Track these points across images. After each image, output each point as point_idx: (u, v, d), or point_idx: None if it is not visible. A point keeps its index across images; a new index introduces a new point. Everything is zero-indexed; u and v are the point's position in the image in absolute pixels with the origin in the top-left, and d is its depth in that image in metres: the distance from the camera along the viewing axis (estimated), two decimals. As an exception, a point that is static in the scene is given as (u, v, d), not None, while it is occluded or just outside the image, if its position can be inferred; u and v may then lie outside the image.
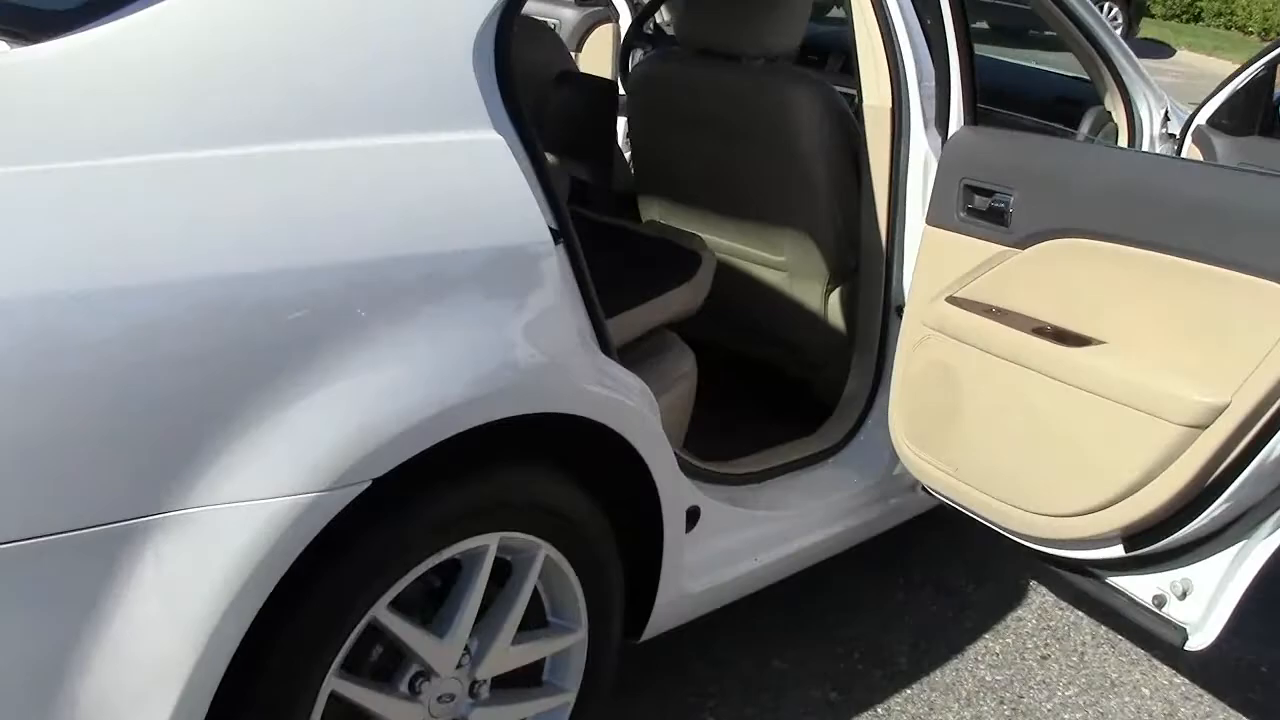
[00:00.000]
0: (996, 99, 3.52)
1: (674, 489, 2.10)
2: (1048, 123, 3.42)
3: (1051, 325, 2.20)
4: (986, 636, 2.87)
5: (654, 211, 3.10)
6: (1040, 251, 2.21)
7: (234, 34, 1.56)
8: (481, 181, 1.70)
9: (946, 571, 3.12)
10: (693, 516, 2.26)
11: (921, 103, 2.48)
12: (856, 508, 2.67)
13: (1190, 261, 1.96)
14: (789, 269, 2.92)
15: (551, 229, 1.83)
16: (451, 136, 1.69)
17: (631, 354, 2.55)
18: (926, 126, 2.49)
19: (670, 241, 2.71)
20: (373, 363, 1.57)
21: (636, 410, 1.94)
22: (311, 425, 1.52)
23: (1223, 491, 1.99)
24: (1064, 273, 2.18)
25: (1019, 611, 2.99)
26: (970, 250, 2.33)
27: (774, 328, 3.07)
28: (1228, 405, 1.90)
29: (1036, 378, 2.16)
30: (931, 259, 2.44)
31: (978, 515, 2.40)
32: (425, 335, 1.61)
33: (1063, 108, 3.49)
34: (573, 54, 4.50)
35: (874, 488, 2.67)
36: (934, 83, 2.48)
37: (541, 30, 3.25)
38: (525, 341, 1.71)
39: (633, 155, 3.06)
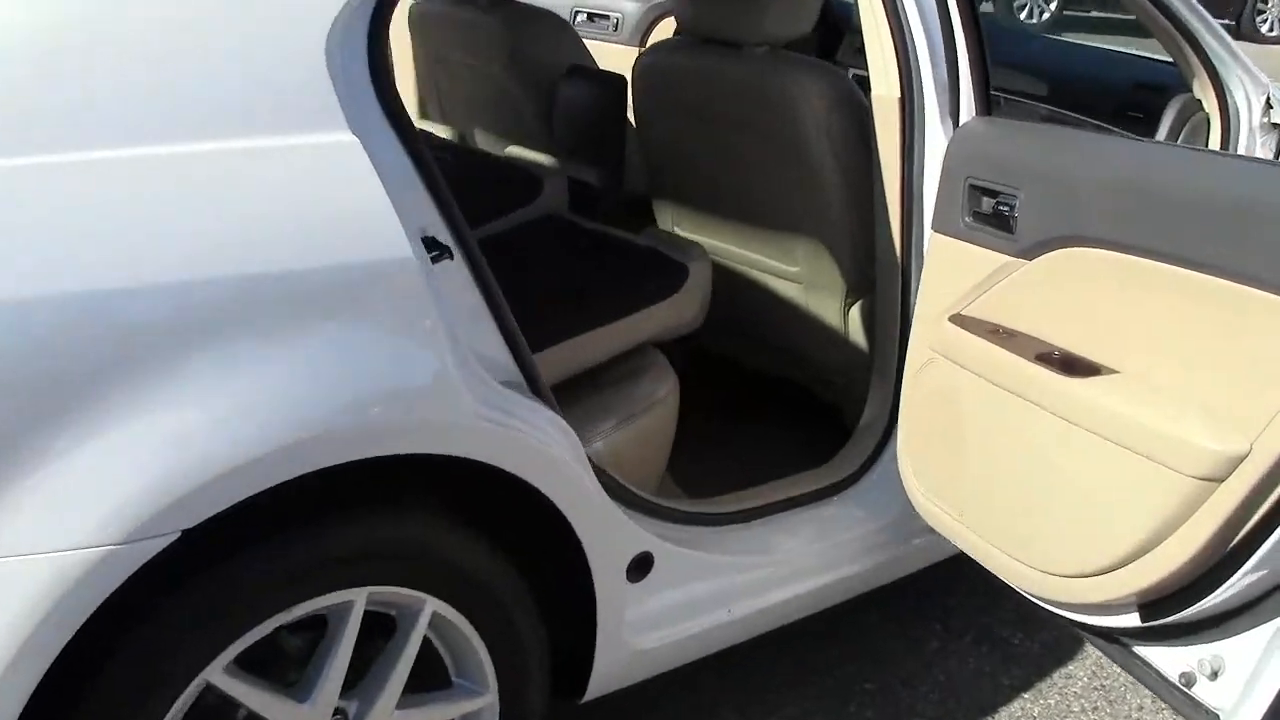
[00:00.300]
0: (1061, 88, 3.15)
1: (605, 537, 1.86)
2: (1079, 118, 3.03)
3: (1060, 351, 1.87)
4: (1027, 695, 2.53)
5: (667, 217, 2.85)
6: (1048, 263, 1.89)
7: (65, 32, 1.40)
8: (329, 190, 1.49)
9: (993, 618, 2.78)
10: (642, 564, 2.01)
11: (937, 92, 2.17)
12: (867, 551, 2.37)
13: (1214, 278, 1.62)
14: (803, 280, 2.63)
15: (433, 240, 1.62)
16: (296, 140, 1.48)
17: (605, 375, 2.31)
18: (943, 118, 2.18)
19: (658, 252, 2.46)
20: (184, 398, 1.38)
21: (543, 450, 1.70)
22: (109, 469, 1.35)
23: (1250, 556, 1.64)
24: (1073, 288, 1.85)
25: (1069, 668, 2.64)
26: (977, 260, 2.02)
27: (791, 345, 2.79)
28: (1247, 454, 1.56)
29: (1040, 413, 1.84)
30: (938, 270, 2.13)
31: (988, 569, 2.08)
32: (250, 367, 1.42)
33: (1142, 96, 3.09)
34: (636, 49, 4.27)
35: (890, 528, 2.37)
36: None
37: (552, 21, 3.04)
38: (380, 374, 1.50)
39: (641, 155, 2.81)
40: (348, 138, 1.51)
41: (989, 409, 1.97)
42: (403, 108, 1.61)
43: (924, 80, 2.17)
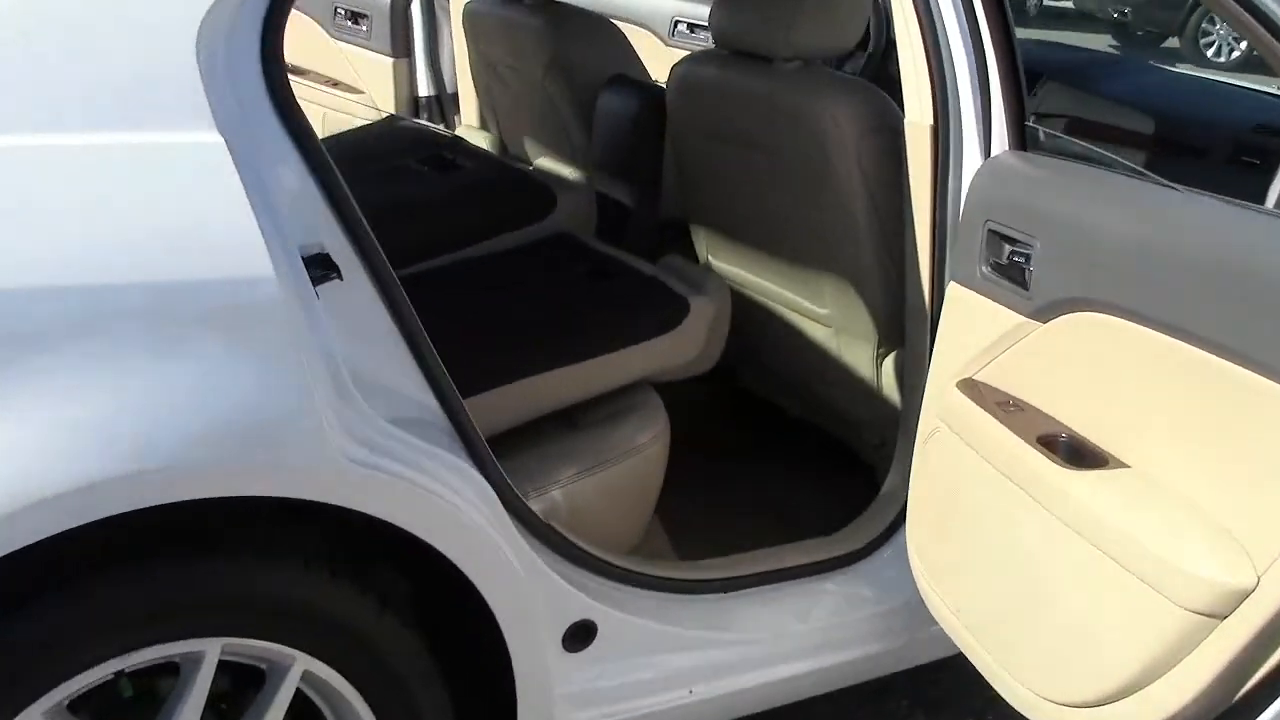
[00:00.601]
0: (1170, 126, 2.81)
1: (526, 602, 1.67)
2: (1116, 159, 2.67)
3: (1067, 434, 1.60)
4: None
5: (702, 244, 2.64)
6: (1061, 328, 1.62)
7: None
8: (182, 194, 1.34)
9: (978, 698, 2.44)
10: (582, 633, 1.81)
11: (976, 120, 1.91)
12: (870, 636, 2.11)
13: (1237, 365, 1.34)
14: (834, 324, 2.38)
15: (323, 258, 1.45)
16: (148, 138, 1.34)
17: (585, 415, 2.12)
18: (982, 151, 1.92)
19: (661, 284, 2.25)
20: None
21: (438, 503, 1.52)
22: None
23: (1268, 705, 1.35)
24: (1086, 360, 1.58)
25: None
26: (992, 318, 1.76)
27: (822, 393, 2.54)
28: (1253, 589, 1.27)
29: (1036, 508, 1.58)
30: (953, 325, 1.87)
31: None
32: (66, 390, 1.27)
33: (1263, 140, 2.73)
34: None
35: (900, 612, 2.10)
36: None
37: (598, 25, 2.86)
38: (221, 405, 1.33)
39: (675, 175, 2.61)
40: (211, 138, 1.35)
41: (988, 495, 1.71)
42: (298, 109, 1.45)
43: (962, 107, 1.91)
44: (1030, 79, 3.19)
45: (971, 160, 1.92)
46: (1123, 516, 1.42)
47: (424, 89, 3.51)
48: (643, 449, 2.07)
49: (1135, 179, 1.62)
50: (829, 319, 2.38)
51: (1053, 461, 1.54)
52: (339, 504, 1.44)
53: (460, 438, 1.67)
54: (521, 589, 1.65)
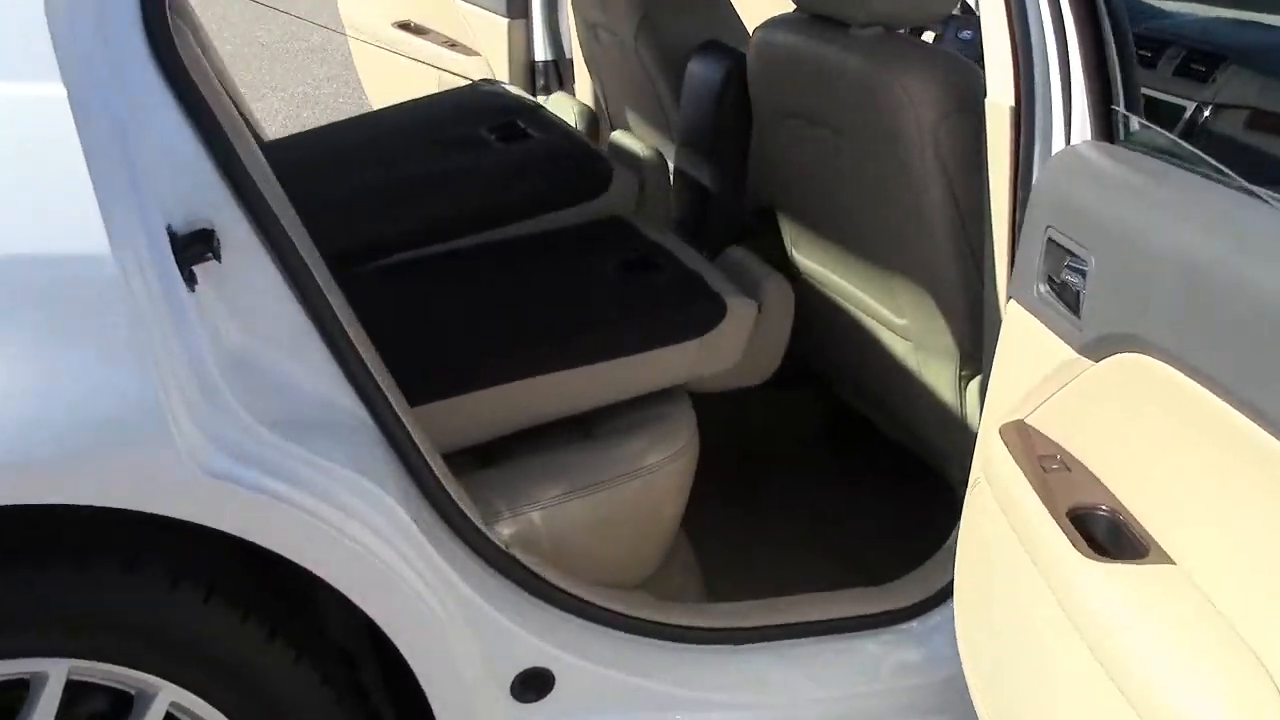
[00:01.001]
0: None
1: (436, 639, 1.46)
2: None
3: (1111, 507, 1.27)
4: None
5: (787, 235, 2.34)
6: (1113, 370, 1.29)
7: None
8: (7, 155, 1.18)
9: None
10: (535, 682, 1.59)
11: (1061, 101, 1.57)
12: (911, 711, 1.81)
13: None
14: (913, 339, 2.06)
15: (199, 233, 1.27)
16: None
17: (602, 424, 1.89)
18: (1066, 139, 1.58)
19: (702, 282, 1.99)
20: None
21: (324, 526, 1.32)
22: None
23: None
24: (1138, 414, 1.24)
25: None
26: (1046, 348, 1.43)
27: (902, 414, 2.22)
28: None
29: (1054, 603, 1.26)
30: (1010, 353, 1.55)
31: None
32: None
33: None
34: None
35: (955, 684, 1.78)
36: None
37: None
38: (32, 400, 1.17)
39: (758, 155, 2.33)
40: (49, 91, 1.18)
41: (1010, 566, 1.39)
42: (184, 68, 1.27)
43: (1052, 86, 1.58)
44: (1209, 61, 2.76)
45: (1059, 150, 1.59)
46: (1132, 632, 1.09)
47: (540, 53, 3.32)
48: (651, 470, 1.83)
49: (1241, 193, 1.26)
50: (907, 331, 2.07)
51: (1073, 543, 1.22)
52: (190, 519, 1.26)
53: (392, 446, 1.47)
54: (435, 626, 1.44)
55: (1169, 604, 1.11)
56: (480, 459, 1.87)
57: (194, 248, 1.27)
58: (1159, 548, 1.19)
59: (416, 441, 1.49)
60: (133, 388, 1.20)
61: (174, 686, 1.36)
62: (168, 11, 1.26)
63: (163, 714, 1.37)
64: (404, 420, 1.48)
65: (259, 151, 1.49)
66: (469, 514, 1.55)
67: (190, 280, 1.27)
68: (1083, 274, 1.34)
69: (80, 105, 1.19)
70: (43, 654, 1.30)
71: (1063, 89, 1.53)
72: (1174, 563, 1.16)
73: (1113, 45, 1.49)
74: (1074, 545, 1.22)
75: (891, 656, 1.83)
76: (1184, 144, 1.39)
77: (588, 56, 3.01)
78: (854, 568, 2.07)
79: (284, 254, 1.35)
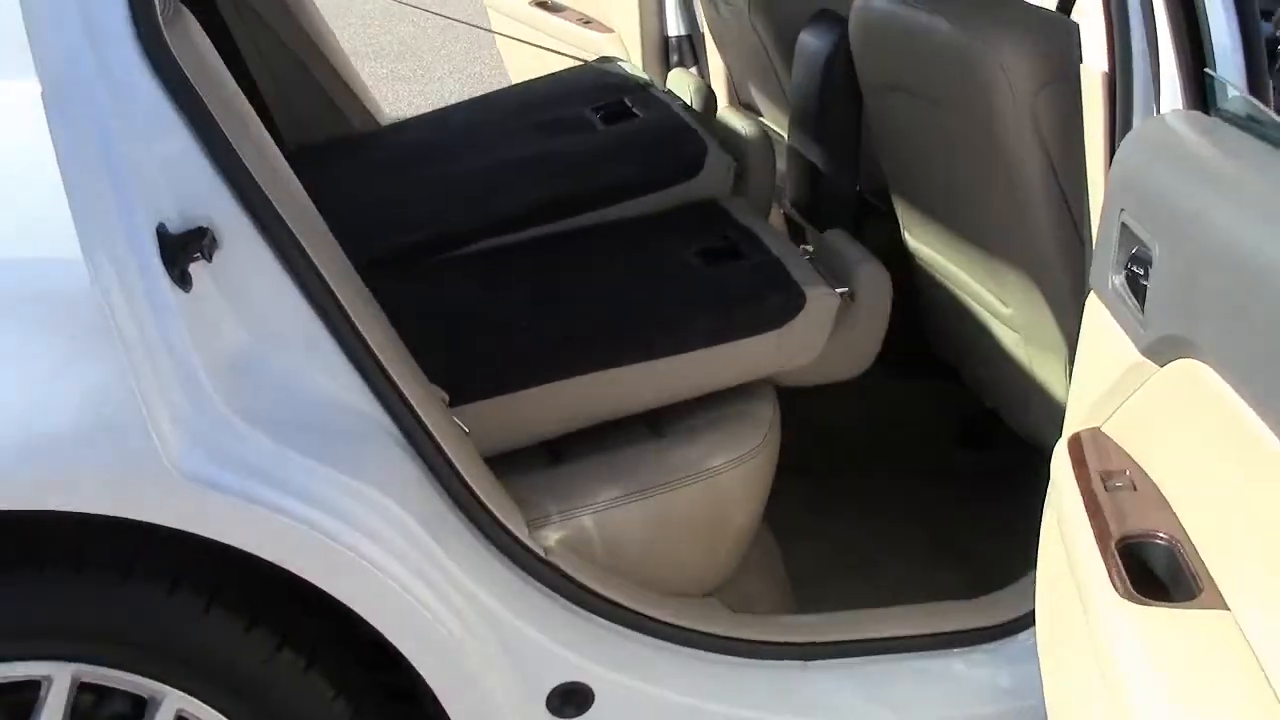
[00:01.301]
0: None
1: (452, 655, 1.40)
2: None
3: (1166, 537, 1.10)
4: None
5: (901, 221, 2.18)
6: (1175, 376, 1.12)
7: None
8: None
9: None
10: (570, 698, 1.51)
11: (1148, 65, 1.39)
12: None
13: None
14: (1019, 329, 1.88)
15: (193, 232, 1.25)
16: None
17: (675, 423, 1.79)
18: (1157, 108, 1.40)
19: (783, 271, 1.86)
20: None
21: (323, 540, 1.29)
22: None
23: None
24: (1198, 430, 1.08)
25: None
26: (1117, 347, 1.27)
27: (1013, 409, 2.04)
28: None
29: (1089, 638, 1.11)
30: (1089, 351, 1.39)
31: None
32: None
33: None
34: None
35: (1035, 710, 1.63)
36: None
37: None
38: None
39: (869, 133, 2.17)
40: (21, 88, 1.17)
41: (1070, 599, 1.23)
42: (176, 64, 1.24)
43: (1146, 48, 1.39)
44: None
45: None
46: (1148, 688, 0.94)
47: (674, 28, 3.22)
48: (715, 473, 1.72)
49: None
50: (1013, 321, 1.89)
51: (1113, 577, 1.06)
52: (167, 524, 1.23)
53: (413, 448, 1.42)
54: (448, 641, 1.39)
55: (1203, 656, 0.95)
56: (553, 456, 1.81)
57: (188, 247, 1.25)
58: (1214, 588, 1.02)
59: (440, 443, 1.43)
60: (102, 391, 1.18)
61: (179, 693, 1.35)
62: (157, 6, 1.24)
63: (171, 718, 1.36)
64: (425, 421, 1.42)
65: (270, 143, 1.46)
66: (502, 518, 1.49)
67: (183, 280, 1.25)
68: (1147, 266, 1.18)
69: (59, 105, 1.17)
70: (45, 658, 1.30)
71: (1149, 49, 1.34)
72: (1227, 608, 1.00)
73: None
74: (1113, 580, 1.06)
75: (980, 678, 1.68)
76: (1281, 117, 1.20)
77: (713, 30, 2.90)
78: (967, 580, 1.92)
79: (285, 250, 1.31)
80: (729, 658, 1.62)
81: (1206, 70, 1.29)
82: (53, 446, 1.17)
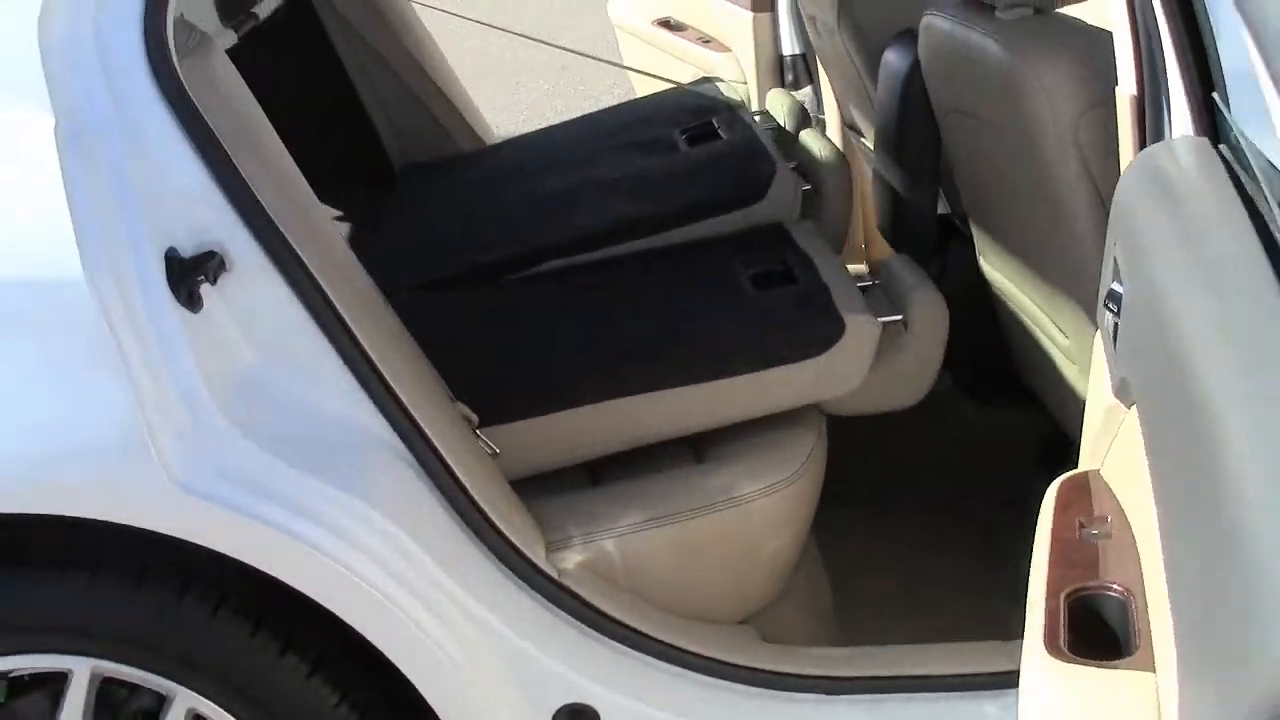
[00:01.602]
0: None
1: (449, 673, 1.44)
2: None
3: (1121, 591, 1.06)
4: None
5: (977, 242, 2.12)
6: (1131, 421, 1.08)
7: None
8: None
9: None
10: (579, 718, 1.54)
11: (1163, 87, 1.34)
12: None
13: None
14: (1076, 360, 1.81)
15: (203, 256, 1.33)
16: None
17: (715, 448, 1.80)
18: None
19: (828, 297, 1.84)
20: None
21: (315, 555, 1.35)
22: None
23: None
24: (1144, 477, 1.04)
25: None
26: (1102, 386, 1.23)
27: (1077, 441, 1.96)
28: None
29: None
30: (1092, 387, 1.34)
31: None
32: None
33: None
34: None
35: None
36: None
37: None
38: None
39: (945, 157, 2.12)
40: (34, 118, 1.26)
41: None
42: (186, 94, 1.32)
43: (1158, 67, 1.34)
44: None
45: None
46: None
47: (788, 47, 3.20)
48: (743, 501, 1.71)
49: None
50: (1070, 352, 1.83)
51: (1046, 630, 1.02)
52: (166, 533, 1.32)
53: (423, 469, 1.47)
54: (444, 661, 1.43)
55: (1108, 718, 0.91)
56: (593, 477, 1.84)
57: (197, 270, 1.32)
58: (1149, 647, 0.98)
59: (449, 462, 1.48)
60: (102, 406, 1.27)
61: (189, 692, 1.43)
62: (169, 35, 1.32)
63: (182, 717, 1.45)
64: (435, 440, 1.47)
65: (292, 170, 1.53)
66: (514, 538, 1.52)
67: (191, 301, 1.33)
68: (1119, 301, 1.13)
69: (70, 134, 1.27)
70: (62, 652, 1.40)
71: (1158, 70, 1.29)
72: (1153, 670, 0.95)
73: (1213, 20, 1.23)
74: (1046, 632, 1.02)
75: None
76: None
77: (816, 50, 2.88)
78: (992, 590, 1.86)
79: (292, 273, 1.37)
80: (748, 687, 1.61)
81: (1214, 95, 1.23)
82: (41, 457, 1.27)
